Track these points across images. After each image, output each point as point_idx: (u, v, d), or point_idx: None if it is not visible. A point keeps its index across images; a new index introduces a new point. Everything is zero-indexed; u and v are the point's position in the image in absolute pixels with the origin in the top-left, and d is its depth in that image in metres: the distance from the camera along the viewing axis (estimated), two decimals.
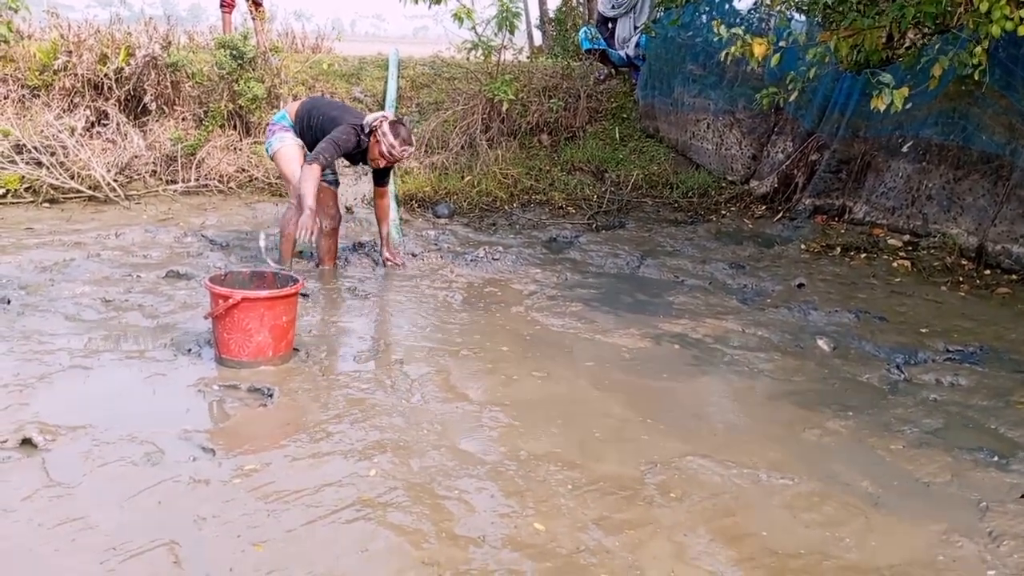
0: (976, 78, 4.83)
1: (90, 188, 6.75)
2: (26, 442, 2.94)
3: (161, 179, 7.20)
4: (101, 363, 3.72)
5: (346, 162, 5.61)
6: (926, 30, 6.07)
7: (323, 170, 4.98)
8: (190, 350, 3.89)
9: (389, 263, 5.50)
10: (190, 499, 2.66)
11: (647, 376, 3.88)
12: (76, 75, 7.39)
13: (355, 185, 7.30)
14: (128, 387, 3.51)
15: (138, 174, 7.16)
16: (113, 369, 3.68)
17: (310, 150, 5.16)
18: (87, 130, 7.23)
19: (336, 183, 5.48)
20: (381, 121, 5.00)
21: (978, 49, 4.65)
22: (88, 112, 7.32)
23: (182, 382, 3.57)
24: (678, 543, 2.52)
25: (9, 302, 4.38)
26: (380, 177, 5.43)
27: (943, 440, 3.30)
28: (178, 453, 2.95)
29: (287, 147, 5.11)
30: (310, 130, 5.13)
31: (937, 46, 5.30)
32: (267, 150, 5.30)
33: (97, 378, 3.58)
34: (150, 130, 7.44)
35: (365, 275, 5.35)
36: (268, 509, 2.61)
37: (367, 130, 5.03)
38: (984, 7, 4.26)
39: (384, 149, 5.00)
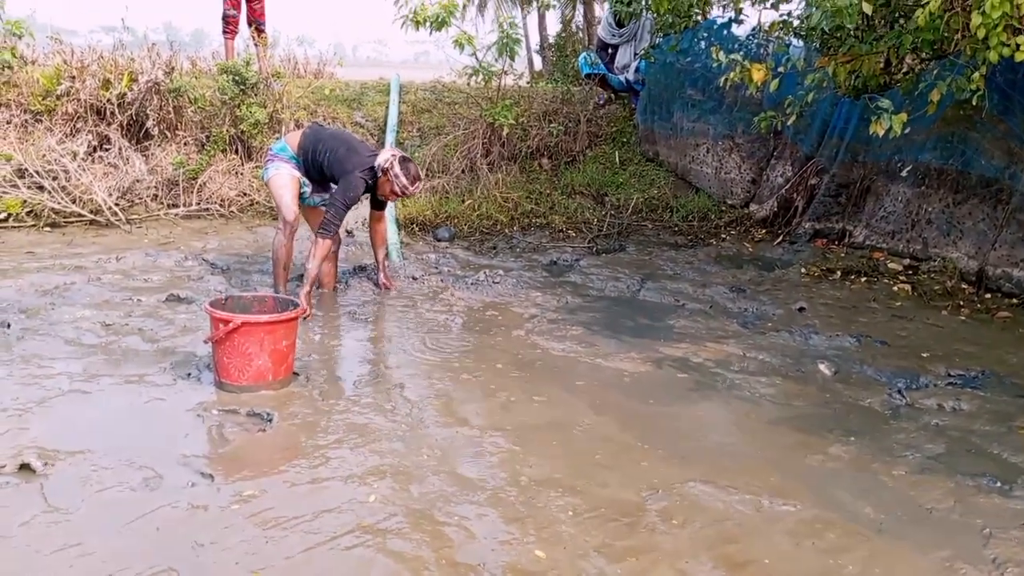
0: (974, 103, 4.86)
1: (91, 212, 6.77)
2: (24, 467, 2.93)
3: (163, 203, 7.22)
4: (100, 387, 3.72)
5: None
6: (924, 56, 6.13)
7: (335, 240, 5.19)
8: (190, 374, 3.89)
9: (384, 287, 5.50)
10: (189, 525, 2.64)
11: (648, 401, 3.86)
12: (79, 100, 7.44)
13: (356, 209, 7.29)
14: (127, 412, 3.50)
15: (140, 198, 7.19)
16: (112, 393, 3.67)
17: (314, 183, 5.20)
18: (89, 154, 7.26)
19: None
20: (392, 163, 5.02)
21: (976, 75, 4.68)
22: (90, 137, 7.36)
23: (181, 407, 3.55)
24: (680, 570, 2.50)
25: (9, 326, 4.38)
26: (380, 202, 5.45)
27: (946, 466, 3.28)
28: (177, 478, 2.93)
29: (280, 175, 5.13)
30: (315, 165, 5.14)
31: (935, 72, 5.34)
32: (262, 177, 5.35)
33: (96, 403, 3.57)
34: (152, 155, 7.47)
35: (366, 298, 5.35)
36: (267, 535, 2.59)
37: (377, 172, 5.07)
38: (981, 33, 4.29)
39: (397, 189, 5.06)
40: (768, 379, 4.17)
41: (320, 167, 5.12)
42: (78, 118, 7.47)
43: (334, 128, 5.59)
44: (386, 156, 5.06)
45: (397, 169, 5.00)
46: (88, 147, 7.28)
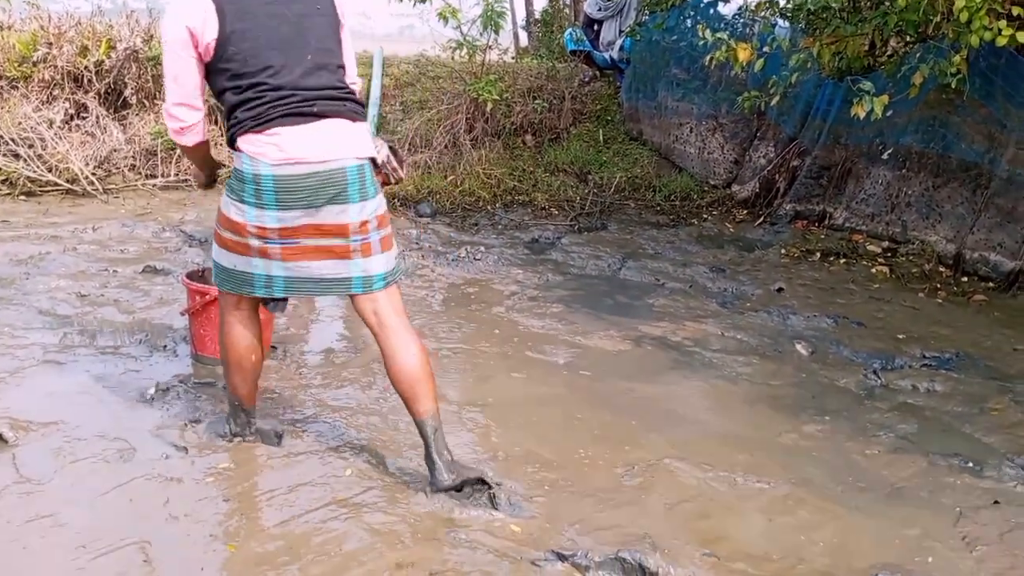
0: (956, 87, 4.87)
1: (68, 181, 6.68)
2: None
3: (140, 173, 7.13)
4: (75, 358, 3.68)
5: None
6: (908, 38, 6.14)
7: None
8: (166, 347, 3.86)
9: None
10: (162, 497, 2.63)
11: (626, 378, 3.88)
12: (56, 67, 7.31)
13: None
14: (102, 383, 3.47)
15: (117, 168, 7.09)
16: (87, 365, 3.64)
17: None
18: (66, 123, 7.15)
19: None
20: (381, 145, 4.97)
21: (958, 58, 4.69)
22: (67, 105, 7.25)
23: (157, 379, 3.52)
24: (655, 546, 2.51)
25: None
26: None
27: (919, 446, 3.32)
28: (151, 451, 2.92)
29: None
30: None
31: (918, 54, 5.35)
32: None
33: (70, 374, 3.54)
34: (130, 124, 7.37)
35: None
36: (241, 509, 2.59)
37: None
38: (964, 17, 4.30)
39: (392, 179, 4.96)
40: (746, 358, 4.19)
41: None
42: (55, 85, 7.34)
43: None
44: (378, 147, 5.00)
45: (388, 157, 4.95)
46: (65, 115, 7.17)
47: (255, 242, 2.63)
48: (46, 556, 2.32)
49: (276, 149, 2.56)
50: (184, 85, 2.62)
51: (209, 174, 3.12)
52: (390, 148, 5.03)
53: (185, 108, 2.65)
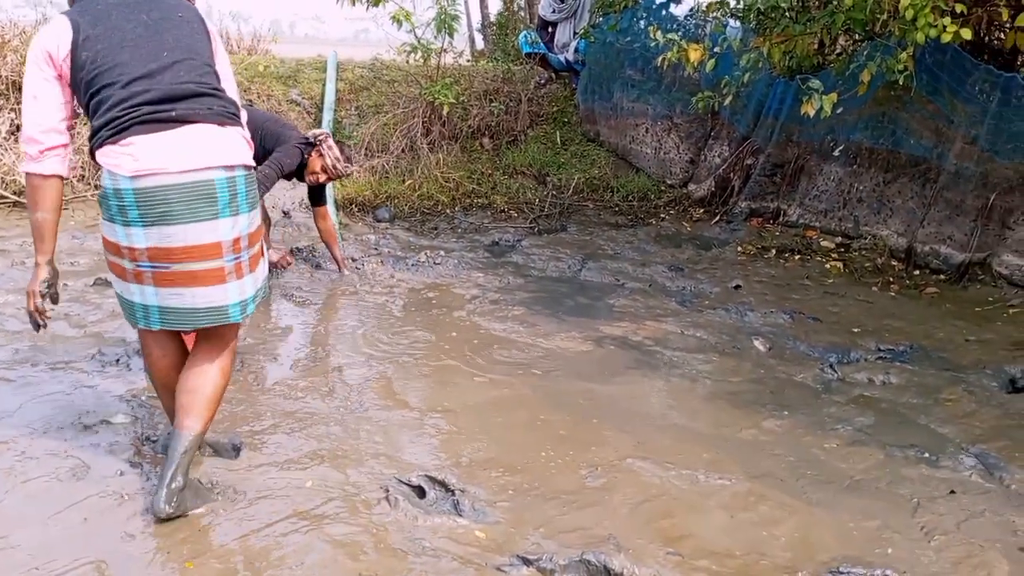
0: (903, 83, 4.97)
1: (15, 194, 6.51)
2: None
3: (90, 184, 6.97)
4: (25, 375, 3.58)
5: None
6: (856, 37, 6.24)
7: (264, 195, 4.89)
8: (119, 360, 3.77)
9: (342, 271, 5.38)
10: (118, 515, 2.57)
11: (588, 379, 3.88)
12: (0, 77, 7.13)
13: (293, 189, 7.17)
14: (53, 399, 3.38)
15: (65, 179, 6.92)
16: (38, 381, 3.54)
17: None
18: (12, 134, 6.97)
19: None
20: (324, 136, 4.94)
21: (904, 55, 4.78)
22: (13, 115, 7.06)
23: (110, 393, 3.45)
24: (620, 546, 2.51)
25: None
26: (317, 195, 5.26)
27: (876, 438, 3.38)
28: (105, 468, 2.85)
29: None
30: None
31: (866, 52, 5.44)
32: None
33: (21, 390, 3.44)
34: (79, 133, 7.20)
35: (302, 281, 5.26)
36: (199, 523, 2.53)
37: (312, 142, 4.93)
38: (910, 15, 4.38)
39: (329, 163, 4.91)
40: (705, 356, 4.23)
41: (256, 147, 4.97)
42: None
43: (264, 111, 5.42)
44: (318, 131, 4.96)
45: (331, 141, 4.93)
46: (10, 126, 6.98)
47: (128, 264, 2.47)
48: None
49: (131, 160, 2.38)
50: (45, 105, 2.47)
51: (46, 258, 2.60)
52: (337, 142, 4.99)
53: (47, 132, 2.48)
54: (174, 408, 2.68)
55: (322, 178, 5.04)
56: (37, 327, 2.64)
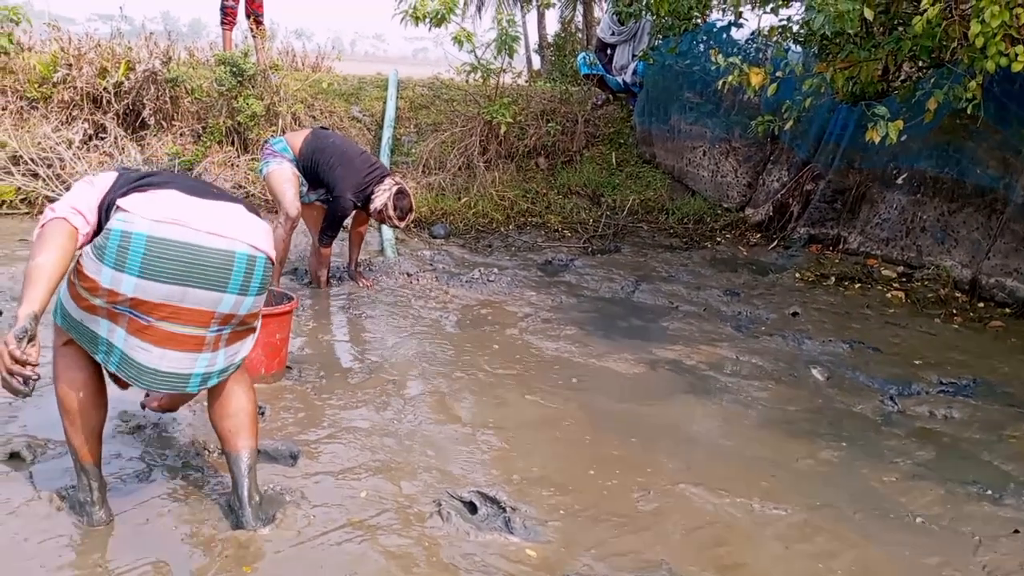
0: (971, 112, 4.87)
1: None
2: (14, 456, 2.91)
3: None
4: None
5: None
6: (922, 63, 6.15)
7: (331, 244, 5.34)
8: None
9: (363, 284, 5.49)
10: (179, 517, 2.63)
11: (640, 402, 3.86)
12: (75, 88, 7.40)
13: None
14: (121, 401, 3.47)
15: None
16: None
17: (311, 186, 5.19)
18: (84, 143, 7.22)
19: (326, 200, 5.47)
20: (387, 206, 5.12)
21: (973, 84, 4.69)
22: (86, 125, 7.32)
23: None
24: (672, 572, 2.49)
25: (1, 313, 4.36)
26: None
27: (936, 473, 3.29)
28: (166, 470, 2.92)
29: (283, 170, 5.11)
30: (313, 172, 5.18)
31: (933, 80, 5.35)
32: (261, 170, 5.29)
33: None
34: (148, 144, 7.44)
35: (359, 294, 5.34)
36: (256, 529, 2.58)
37: (366, 195, 5.18)
38: (980, 43, 4.30)
39: (378, 209, 5.17)
40: (761, 383, 4.17)
41: (316, 178, 5.18)
42: (74, 106, 7.43)
43: (337, 136, 5.56)
44: (383, 199, 5.12)
45: (391, 212, 5.15)
46: (84, 135, 7.25)
47: (103, 304, 2.30)
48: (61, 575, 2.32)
49: (157, 207, 2.31)
50: (88, 197, 2.44)
51: (30, 309, 2.20)
52: (398, 192, 5.15)
53: (77, 209, 2.39)
54: (75, 442, 2.51)
55: (376, 219, 5.31)
56: (15, 392, 2.21)
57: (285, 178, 5.09)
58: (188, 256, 2.29)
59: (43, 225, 2.35)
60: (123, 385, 2.70)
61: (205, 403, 2.63)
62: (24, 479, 2.79)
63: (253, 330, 2.60)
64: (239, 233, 2.38)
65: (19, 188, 6.62)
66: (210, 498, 2.74)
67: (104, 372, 2.54)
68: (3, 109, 7.31)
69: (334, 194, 5.11)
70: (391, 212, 5.13)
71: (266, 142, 5.43)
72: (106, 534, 2.52)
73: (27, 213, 6.56)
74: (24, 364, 2.18)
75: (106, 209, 2.40)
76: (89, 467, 2.54)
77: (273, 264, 2.51)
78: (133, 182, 2.43)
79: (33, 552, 2.40)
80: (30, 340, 2.19)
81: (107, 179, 2.49)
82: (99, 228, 2.39)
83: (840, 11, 4.76)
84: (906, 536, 2.82)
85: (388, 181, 5.19)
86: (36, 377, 2.21)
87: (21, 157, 6.79)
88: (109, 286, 2.27)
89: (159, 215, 2.29)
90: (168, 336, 2.35)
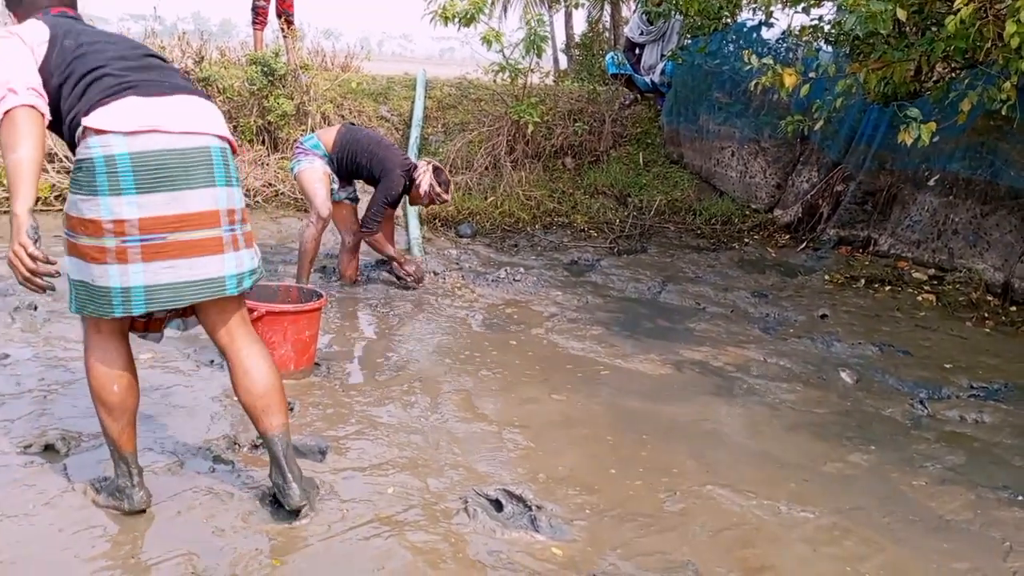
0: (1005, 113, 4.81)
1: None
2: (49, 448, 2.97)
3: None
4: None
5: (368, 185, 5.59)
6: (955, 64, 6.08)
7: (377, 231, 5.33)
8: (213, 360, 3.92)
9: (406, 277, 5.51)
10: (210, 510, 2.66)
11: (667, 402, 3.86)
12: None
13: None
14: (152, 395, 3.53)
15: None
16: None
17: (341, 180, 5.25)
18: None
19: (356, 199, 5.52)
20: (427, 173, 5.26)
21: (1007, 84, 4.64)
22: None
23: (205, 392, 3.59)
24: (698, 573, 2.49)
25: (36, 308, 4.44)
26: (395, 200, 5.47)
27: (966, 477, 3.26)
28: (199, 464, 2.96)
29: (314, 169, 5.16)
30: (350, 164, 5.24)
31: (966, 81, 5.29)
32: (292, 168, 5.32)
33: None
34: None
35: (387, 292, 5.37)
36: (287, 523, 2.61)
37: (413, 175, 5.28)
38: (1015, 43, 4.25)
39: (423, 191, 5.27)
40: (789, 385, 4.15)
41: (355, 166, 5.23)
42: None
43: (367, 130, 5.62)
44: (427, 179, 5.25)
45: (423, 171, 5.26)
46: None
47: (111, 242, 2.30)
48: (94, 566, 2.36)
49: (128, 117, 2.28)
50: (19, 62, 2.33)
51: (26, 205, 2.26)
52: (435, 168, 5.26)
53: (22, 83, 2.29)
54: (114, 432, 2.53)
55: (424, 203, 5.39)
56: (43, 289, 2.33)
57: (316, 177, 5.14)
58: (172, 160, 2.31)
59: (7, 112, 2.26)
60: (156, 327, 2.69)
61: (235, 397, 2.66)
62: (59, 471, 2.84)
63: (252, 231, 2.63)
64: (207, 125, 2.41)
65: (53, 185, 6.72)
66: (241, 492, 2.78)
67: (132, 355, 2.57)
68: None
69: (384, 171, 5.17)
70: (438, 189, 5.26)
71: (296, 141, 5.49)
72: (138, 526, 2.56)
73: (61, 209, 6.66)
74: (45, 261, 2.27)
75: (70, 123, 2.36)
76: (128, 455, 2.58)
77: (235, 152, 2.54)
78: (73, 57, 2.36)
79: (67, 543, 2.45)
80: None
81: (39, 35, 2.38)
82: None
83: (872, 12, 4.73)
84: (935, 541, 2.80)
85: (421, 163, 5.34)
86: (57, 273, 2.30)
87: (56, 154, 6.90)
88: (111, 217, 2.28)
89: (134, 125, 2.28)
90: (188, 245, 2.37)
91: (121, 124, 2.27)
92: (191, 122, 2.37)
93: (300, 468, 2.65)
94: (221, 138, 2.44)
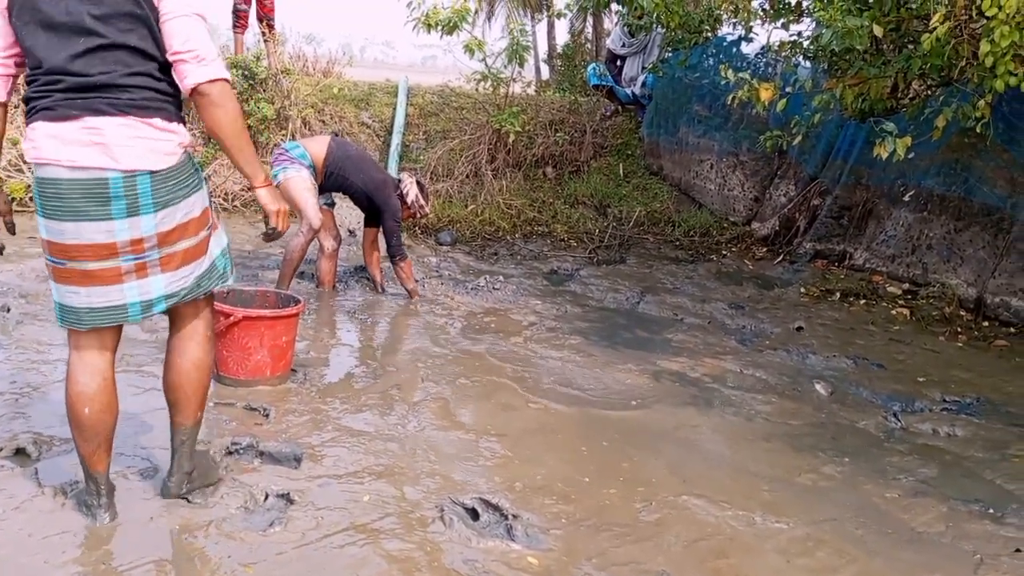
0: (979, 131, 4.89)
1: None
2: (20, 452, 2.92)
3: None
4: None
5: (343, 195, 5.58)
6: (931, 82, 6.16)
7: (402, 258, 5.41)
8: None
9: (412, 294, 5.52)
10: (182, 516, 2.63)
11: (644, 412, 3.87)
12: None
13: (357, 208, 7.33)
14: (125, 399, 3.47)
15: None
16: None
17: (322, 189, 5.21)
18: None
19: (333, 204, 5.49)
20: (413, 191, 5.40)
21: (982, 103, 4.71)
22: None
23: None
24: None
25: (9, 310, 4.38)
26: (374, 217, 5.46)
27: (938, 490, 3.29)
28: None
29: (301, 178, 4.99)
30: (343, 181, 5.23)
31: (941, 98, 5.37)
32: (275, 175, 5.03)
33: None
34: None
35: (366, 299, 5.36)
36: (260, 530, 2.59)
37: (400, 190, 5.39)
38: (989, 62, 4.32)
39: (410, 202, 5.41)
40: (764, 396, 4.18)
41: (346, 184, 5.23)
42: None
43: (355, 146, 5.63)
44: (412, 192, 5.38)
45: (409, 184, 5.42)
46: None
47: (47, 259, 2.39)
48: (65, 571, 2.33)
49: (31, 146, 2.27)
50: None
51: None
52: (417, 183, 5.30)
53: None
54: (83, 450, 2.50)
55: (407, 215, 5.46)
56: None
57: (305, 187, 4.99)
58: (65, 191, 2.26)
59: None
60: None
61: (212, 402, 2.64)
62: (30, 475, 2.80)
63: (200, 250, 2.49)
64: (106, 160, 2.24)
65: (28, 186, 6.65)
66: (213, 498, 2.75)
67: (113, 375, 2.55)
68: (15, 108, 7.34)
69: (385, 197, 5.23)
70: (422, 201, 5.40)
71: (278, 147, 5.44)
72: (110, 532, 2.53)
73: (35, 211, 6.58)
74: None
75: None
76: (98, 475, 2.54)
77: (161, 174, 2.32)
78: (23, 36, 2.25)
79: (37, 548, 2.41)
80: (9, 228, 2.47)
81: None
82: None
83: (849, 27, 4.79)
84: (907, 552, 2.82)
85: (404, 177, 5.46)
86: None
87: None
88: (43, 236, 2.36)
89: (35, 156, 2.28)
90: (84, 275, 2.34)
91: (29, 152, 2.30)
92: (88, 156, 2.24)
93: (193, 466, 2.70)
94: (127, 170, 2.26)
